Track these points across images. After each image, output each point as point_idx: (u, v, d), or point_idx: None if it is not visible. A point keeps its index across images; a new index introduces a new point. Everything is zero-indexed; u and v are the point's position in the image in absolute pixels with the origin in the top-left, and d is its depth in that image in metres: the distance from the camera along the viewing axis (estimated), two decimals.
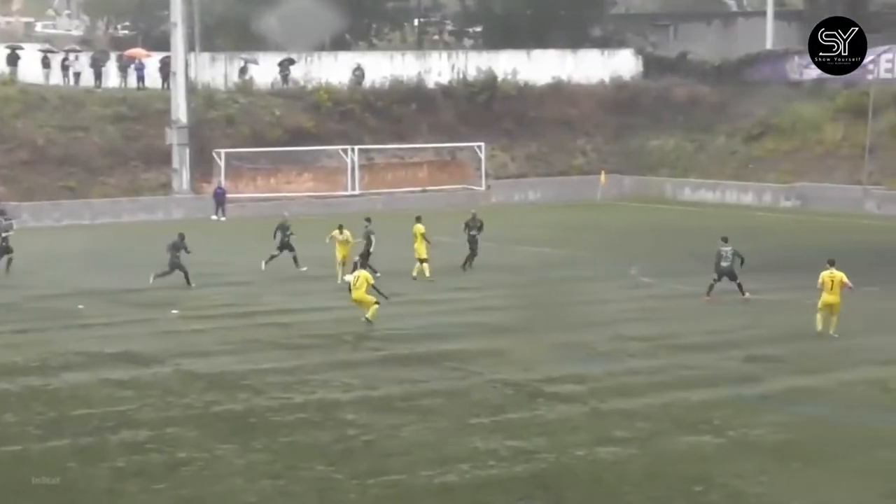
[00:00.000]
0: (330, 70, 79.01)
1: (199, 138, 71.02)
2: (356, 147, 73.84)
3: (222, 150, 70.64)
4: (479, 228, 46.92)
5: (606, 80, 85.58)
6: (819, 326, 33.29)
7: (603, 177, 77.31)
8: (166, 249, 43.67)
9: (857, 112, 73.55)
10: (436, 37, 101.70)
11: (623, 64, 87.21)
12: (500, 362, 30.94)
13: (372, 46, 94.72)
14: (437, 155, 77.67)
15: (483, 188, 76.32)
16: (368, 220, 45.88)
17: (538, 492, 21.00)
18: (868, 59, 76.46)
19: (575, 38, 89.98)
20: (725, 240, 40.69)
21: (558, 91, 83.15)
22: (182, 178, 70.22)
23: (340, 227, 44.51)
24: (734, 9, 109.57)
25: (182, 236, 44.02)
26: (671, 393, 27.42)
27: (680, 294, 42.01)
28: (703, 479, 21.33)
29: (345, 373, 29.56)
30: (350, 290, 36.06)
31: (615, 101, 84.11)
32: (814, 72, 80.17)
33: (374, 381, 28.83)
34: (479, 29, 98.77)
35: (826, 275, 33.14)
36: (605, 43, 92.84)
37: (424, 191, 74.81)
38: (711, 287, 39.96)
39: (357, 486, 21.29)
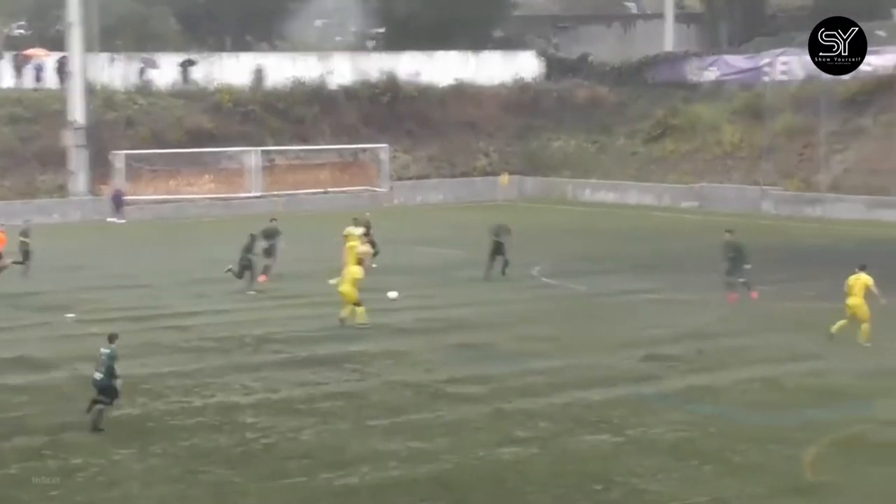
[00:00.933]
0: (231, 71, 78.57)
1: (98, 140, 70.28)
2: (258, 149, 73.51)
3: (121, 152, 69.94)
4: (508, 232, 45.57)
5: (508, 81, 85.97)
6: (834, 328, 32.40)
7: (505, 178, 77.60)
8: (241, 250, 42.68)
9: (754, 114, 74.52)
10: (338, 38, 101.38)
11: (525, 65, 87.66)
12: (401, 364, 30.94)
13: (273, 47, 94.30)
14: (339, 156, 77.52)
15: (385, 189, 76.29)
16: (274, 219, 45.84)
17: (440, 493, 21.00)
18: (764, 61, 77.73)
19: (477, 40, 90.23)
20: (731, 231, 40.72)
21: (461, 92, 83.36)
22: (79, 181, 69.45)
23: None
24: (634, 11, 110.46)
25: (253, 237, 43.11)
26: (572, 392, 27.55)
27: (581, 294, 42.24)
28: (603, 478, 21.45)
29: (245, 376, 29.38)
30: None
31: (517, 102, 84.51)
32: (712, 73, 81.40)
33: (275, 383, 28.69)
34: (381, 30, 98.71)
35: (852, 278, 32.41)
36: (507, 44, 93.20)
37: (326, 192, 74.62)
38: (745, 284, 39.51)
39: (257, 490, 21.16)
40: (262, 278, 43.67)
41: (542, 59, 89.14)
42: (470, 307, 39.28)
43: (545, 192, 78.51)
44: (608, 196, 76.50)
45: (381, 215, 48.35)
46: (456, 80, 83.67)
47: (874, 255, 49.54)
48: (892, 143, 67.11)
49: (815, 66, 79.10)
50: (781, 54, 77.61)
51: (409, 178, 78.58)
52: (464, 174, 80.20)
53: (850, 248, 51.88)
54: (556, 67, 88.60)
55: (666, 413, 25.77)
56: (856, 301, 32.23)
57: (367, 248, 42.50)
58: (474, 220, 65.88)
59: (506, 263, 44.94)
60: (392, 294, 38.52)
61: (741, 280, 39.61)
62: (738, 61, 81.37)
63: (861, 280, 32.29)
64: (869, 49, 76.19)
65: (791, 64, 76.89)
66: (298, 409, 26.34)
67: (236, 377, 29.24)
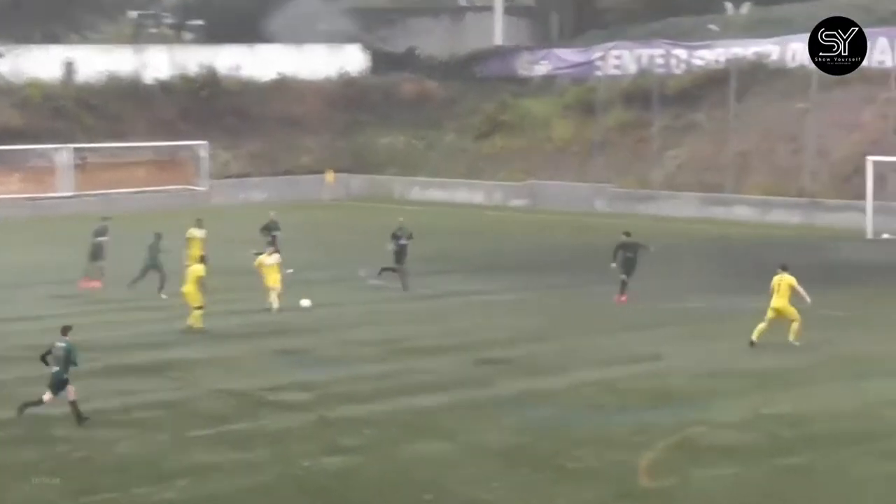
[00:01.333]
0: (40, 64, 76.96)
1: None
2: (69, 146, 72.10)
3: None
4: (409, 237, 44.10)
5: (333, 75, 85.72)
6: (754, 336, 32.44)
7: (330, 175, 77.40)
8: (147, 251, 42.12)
9: (586, 109, 75.42)
10: (154, 30, 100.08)
11: (350, 59, 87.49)
12: (223, 371, 30.63)
13: (85, 40, 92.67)
14: (156, 154, 76.38)
15: (205, 188, 75.48)
16: (107, 218, 45.06)
17: None
18: (596, 55, 78.72)
19: (300, 33, 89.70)
20: (628, 234, 41.16)
21: (283, 87, 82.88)
22: None
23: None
24: (463, 3, 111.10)
25: (158, 236, 42.42)
26: (401, 398, 27.52)
27: (409, 297, 42.22)
28: (433, 487, 21.44)
29: None
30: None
31: (343, 97, 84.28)
32: (543, 68, 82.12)
33: (90, 393, 28.03)
34: (199, 22, 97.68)
35: (776, 279, 32.79)
36: (331, 37, 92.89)
37: (142, 192, 73.54)
38: (623, 284, 39.93)
39: None
40: (93, 283, 42.75)
41: (368, 52, 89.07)
42: (294, 311, 38.99)
43: (372, 190, 78.45)
44: (437, 194, 76.68)
45: (200, 216, 47.75)
46: (279, 74, 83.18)
47: (708, 252, 50.56)
48: (725, 138, 68.47)
49: (647, 60, 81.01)
50: (613, 48, 78.71)
51: (230, 177, 77.79)
52: (287, 172, 79.61)
53: (685, 247, 52.87)
54: (382, 61, 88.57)
55: (498, 418, 25.87)
56: (782, 303, 32.58)
57: (275, 258, 40.71)
58: (299, 220, 65.59)
59: (405, 273, 43.33)
60: (305, 302, 38.32)
61: (623, 278, 39.95)
62: (570, 55, 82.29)
63: (785, 280, 32.73)
64: (701, 43, 78.24)
65: (623, 58, 78.06)
66: (114, 420, 25.90)
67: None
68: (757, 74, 70.51)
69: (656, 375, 29.85)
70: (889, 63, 65.35)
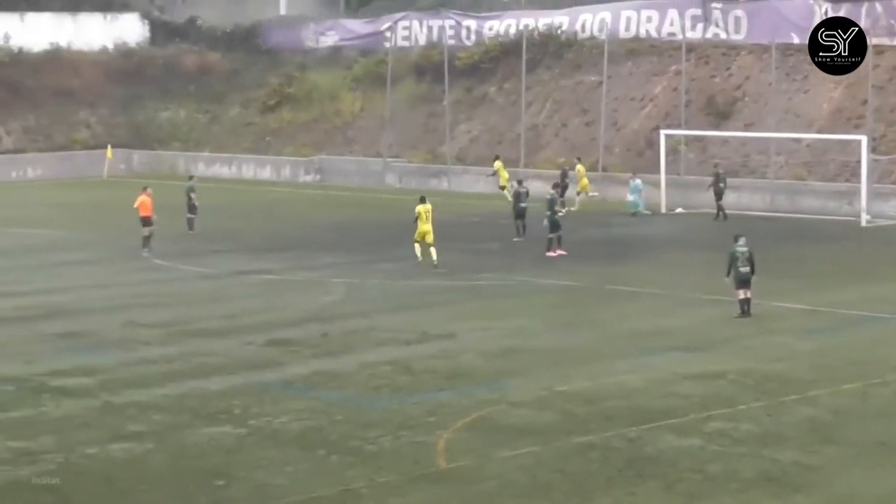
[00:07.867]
0: None
1: None
2: None
3: None
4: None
5: (110, 46, 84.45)
6: None
7: (109, 151, 76.25)
8: None
9: (375, 81, 75.61)
10: None
11: (128, 29, 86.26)
12: None
13: None
14: None
15: None
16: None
17: (45, 497, 20.53)
18: (384, 26, 78.90)
19: (74, 1, 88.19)
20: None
21: (57, 59, 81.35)
22: None
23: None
24: None
25: None
26: (189, 382, 27.39)
27: (196, 276, 42.01)
28: (224, 473, 21.40)
29: None
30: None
31: (121, 69, 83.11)
32: (329, 39, 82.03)
33: None
34: None
35: None
36: (107, 6, 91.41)
37: None
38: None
39: None
40: None
41: (147, 22, 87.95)
42: (72, 292, 38.49)
43: (154, 166, 77.65)
44: (223, 170, 76.28)
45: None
46: (51, 44, 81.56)
47: (501, 228, 51.15)
48: (516, 111, 69.26)
49: (437, 31, 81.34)
50: (402, 19, 79.04)
51: (3, 153, 76.26)
52: (63, 148, 78.37)
53: (476, 222, 53.43)
54: (161, 31, 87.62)
55: (290, 401, 25.90)
56: None
57: None
58: (77, 198, 64.73)
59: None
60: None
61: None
62: (357, 26, 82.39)
63: None
64: (491, 14, 78.71)
65: (412, 29, 78.41)
66: None
67: None
68: (548, 46, 71.47)
69: (449, 354, 30.12)
70: (679, 35, 66.78)
